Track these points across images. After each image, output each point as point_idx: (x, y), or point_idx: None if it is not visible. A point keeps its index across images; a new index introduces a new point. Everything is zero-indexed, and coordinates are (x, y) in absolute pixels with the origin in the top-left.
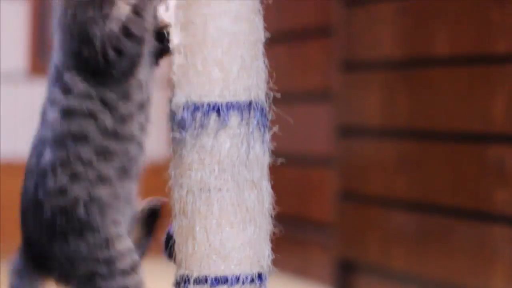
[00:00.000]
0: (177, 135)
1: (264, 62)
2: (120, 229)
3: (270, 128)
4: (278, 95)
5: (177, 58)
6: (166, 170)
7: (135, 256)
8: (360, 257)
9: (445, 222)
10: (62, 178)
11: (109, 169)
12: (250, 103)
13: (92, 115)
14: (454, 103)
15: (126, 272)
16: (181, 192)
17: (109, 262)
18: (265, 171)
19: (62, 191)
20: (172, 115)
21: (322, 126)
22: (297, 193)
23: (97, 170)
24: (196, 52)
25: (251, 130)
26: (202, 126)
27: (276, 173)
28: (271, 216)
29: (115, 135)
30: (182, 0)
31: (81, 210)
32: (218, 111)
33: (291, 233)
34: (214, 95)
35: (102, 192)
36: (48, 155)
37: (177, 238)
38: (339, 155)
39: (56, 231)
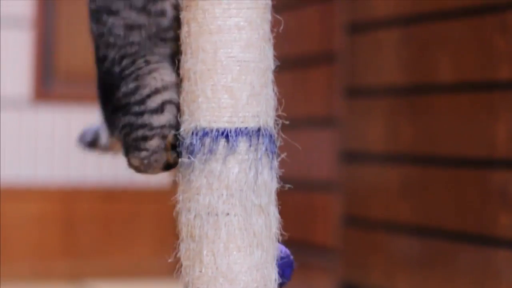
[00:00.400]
0: (186, 160)
1: (274, 90)
2: (155, 65)
3: (278, 155)
4: (286, 122)
5: (186, 84)
6: (172, 195)
7: (167, 95)
8: (363, 281)
9: (448, 246)
10: (102, 48)
11: (136, 37)
12: (259, 130)
13: None
14: (458, 129)
15: (154, 111)
16: (189, 216)
17: (141, 102)
18: (273, 196)
19: (103, 58)
20: (180, 140)
21: (325, 152)
22: (301, 217)
23: (126, 38)
24: (206, 78)
25: (259, 156)
26: (210, 151)
27: (280, 197)
28: (278, 241)
29: (145, 11)
30: (194, 27)
31: (116, 69)
32: (227, 137)
33: (295, 257)
34: (223, 121)
35: (131, 50)
36: (93, 29)
37: (185, 261)
38: (342, 180)
39: (104, 88)
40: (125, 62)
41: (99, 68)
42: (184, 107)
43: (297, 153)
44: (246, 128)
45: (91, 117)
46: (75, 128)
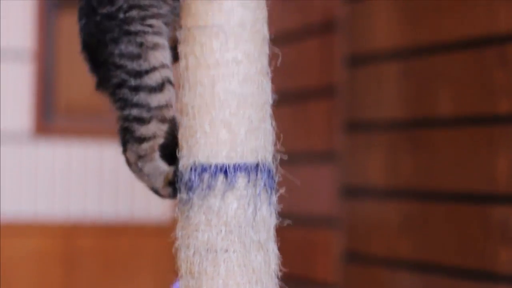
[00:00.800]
0: (184, 196)
1: (272, 124)
2: (159, 40)
3: (277, 190)
4: (285, 157)
5: (184, 119)
6: (172, 231)
7: (166, 73)
8: None
9: (449, 282)
10: None
11: None
12: (257, 165)
13: None
14: (458, 163)
15: (152, 89)
16: (188, 253)
17: (138, 74)
18: (272, 232)
19: (108, 1)
20: (179, 176)
21: (326, 187)
22: (301, 253)
23: None
24: (204, 113)
25: (258, 191)
26: (209, 187)
27: (280, 233)
28: (277, 277)
29: None
30: (191, 61)
31: (120, 15)
32: (225, 173)
33: None
34: (221, 156)
35: (144, 1)
36: None
37: None
38: (343, 215)
39: (101, 35)
40: (133, 13)
41: (95, 11)
42: (182, 142)
43: (297, 188)
44: (244, 163)
45: (92, 151)
46: (76, 162)
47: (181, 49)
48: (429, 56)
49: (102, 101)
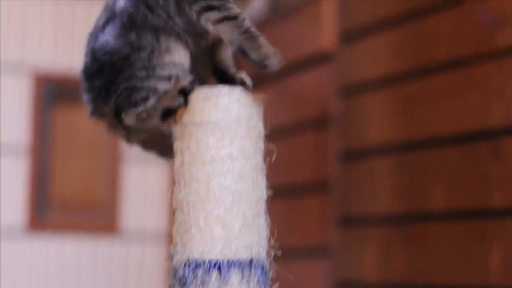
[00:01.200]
0: None
1: (266, 220)
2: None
3: (271, 286)
4: (279, 253)
5: (179, 215)
6: None
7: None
8: None
9: None
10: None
11: (163, 11)
12: (251, 261)
13: None
14: (451, 258)
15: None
16: None
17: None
18: None
19: (128, 13)
20: (173, 272)
21: (319, 282)
22: None
23: (155, 12)
24: (199, 209)
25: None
26: (203, 283)
27: None
28: None
29: None
30: (187, 157)
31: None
32: (219, 269)
33: None
34: (215, 252)
35: (156, 21)
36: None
37: None
38: None
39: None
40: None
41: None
42: (177, 239)
43: (290, 284)
44: (238, 259)
45: (85, 246)
46: (70, 258)
47: (177, 145)
48: (422, 150)
49: (96, 196)
